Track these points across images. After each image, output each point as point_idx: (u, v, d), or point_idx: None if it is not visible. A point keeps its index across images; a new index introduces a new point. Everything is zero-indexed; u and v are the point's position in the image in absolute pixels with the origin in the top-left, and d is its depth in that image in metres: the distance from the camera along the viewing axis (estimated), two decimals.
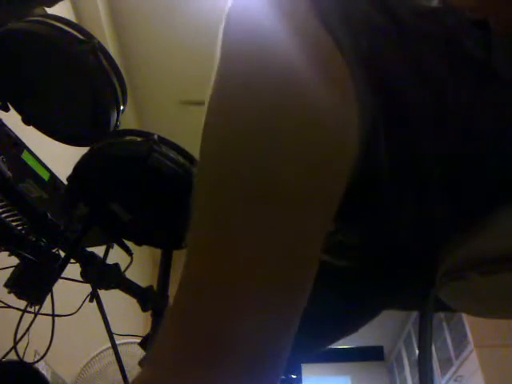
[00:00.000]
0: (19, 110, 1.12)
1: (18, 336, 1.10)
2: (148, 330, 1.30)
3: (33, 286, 1.09)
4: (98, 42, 1.01)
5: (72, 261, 1.17)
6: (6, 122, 1.14)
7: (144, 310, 1.31)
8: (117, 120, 1.10)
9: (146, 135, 1.10)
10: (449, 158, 0.42)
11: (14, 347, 1.10)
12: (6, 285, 1.10)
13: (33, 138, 1.21)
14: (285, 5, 0.37)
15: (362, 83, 0.36)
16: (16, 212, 1.12)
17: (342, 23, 0.38)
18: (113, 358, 1.74)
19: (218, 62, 0.37)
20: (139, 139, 1.10)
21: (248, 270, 0.30)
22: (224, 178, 0.32)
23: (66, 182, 1.17)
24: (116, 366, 1.34)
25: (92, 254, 1.22)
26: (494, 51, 0.44)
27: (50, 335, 1.18)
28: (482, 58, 0.44)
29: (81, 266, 1.20)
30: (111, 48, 2.74)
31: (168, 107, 3.25)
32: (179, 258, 1.71)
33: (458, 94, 0.42)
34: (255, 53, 0.35)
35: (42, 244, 1.12)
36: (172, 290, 1.38)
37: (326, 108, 0.33)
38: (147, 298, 1.30)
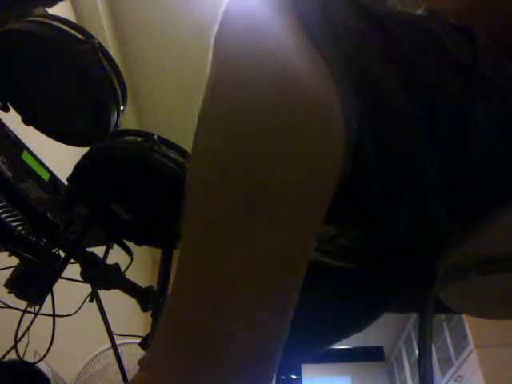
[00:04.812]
0: (19, 111, 1.12)
1: (18, 336, 1.10)
2: (148, 330, 1.30)
3: (33, 286, 1.09)
4: (98, 42, 1.01)
5: (72, 261, 1.17)
6: (6, 122, 1.14)
7: (144, 310, 1.31)
8: (117, 120, 1.10)
9: (146, 135, 1.10)
10: (443, 158, 0.42)
11: (15, 347, 1.10)
12: (6, 285, 1.10)
13: (33, 139, 1.21)
14: (271, 12, 0.37)
15: (345, 87, 0.36)
16: (16, 212, 1.12)
17: (326, 32, 0.38)
18: (113, 358, 1.74)
19: (211, 62, 0.37)
20: (139, 139, 1.10)
21: (238, 273, 0.30)
22: (216, 181, 0.32)
23: (66, 183, 1.17)
24: (116, 366, 1.34)
25: (92, 254, 1.22)
26: (479, 56, 0.44)
27: (50, 335, 1.18)
28: (468, 62, 0.44)
29: (81, 266, 1.20)
30: (111, 48, 2.74)
31: (168, 107, 3.25)
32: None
33: (445, 97, 0.42)
34: (247, 54, 0.35)
35: (42, 244, 1.12)
36: None
37: (316, 107, 0.34)
38: (147, 298, 1.30)
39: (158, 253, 1.55)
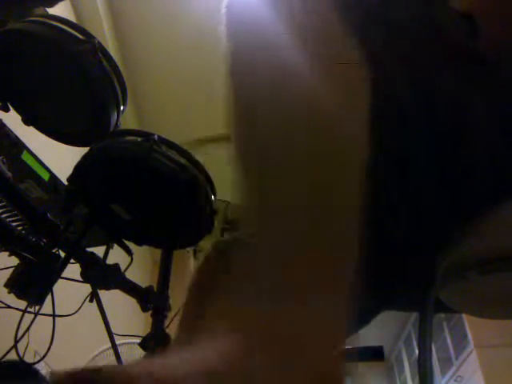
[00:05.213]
0: (19, 111, 1.13)
1: (18, 336, 1.10)
2: (148, 330, 1.30)
3: (33, 286, 1.09)
4: (98, 42, 1.01)
5: (72, 261, 1.17)
6: (6, 122, 1.14)
7: (144, 310, 1.31)
8: (117, 120, 1.10)
9: (146, 135, 1.10)
10: (444, 154, 0.42)
11: (15, 347, 1.10)
12: (6, 285, 1.10)
13: (33, 139, 1.21)
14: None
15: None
16: (16, 212, 1.12)
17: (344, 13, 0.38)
18: (113, 358, 1.74)
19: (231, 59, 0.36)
20: (139, 139, 1.10)
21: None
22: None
23: (66, 183, 1.17)
24: None
25: (92, 254, 1.22)
26: (480, 39, 0.44)
27: (50, 335, 1.18)
28: (468, 45, 0.44)
29: (81, 266, 1.20)
30: (111, 48, 2.74)
31: (168, 107, 3.25)
32: (179, 258, 1.70)
33: (446, 81, 0.42)
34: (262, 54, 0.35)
35: (42, 244, 1.12)
36: (172, 290, 1.38)
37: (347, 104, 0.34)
38: (147, 298, 1.30)
39: (157, 253, 1.55)
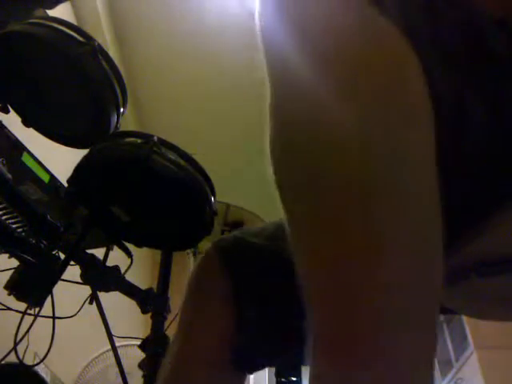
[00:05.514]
0: (19, 112, 1.13)
1: (18, 338, 1.10)
2: (148, 332, 1.30)
3: (33, 288, 1.09)
4: (98, 44, 1.01)
5: (72, 263, 1.17)
6: (6, 124, 1.14)
7: (144, 312, 1.31)
8: (117, 122, 1.10)
9: (146, 137, 1.10)
10: (445, 155, 0.42)
11: (14, 349, 1.10)
12: (5, 287, 1.10)
13: (33, 140, 1.21)
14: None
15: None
16: (16, 214, 1.12)
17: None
18: (113, 360, 1.73)
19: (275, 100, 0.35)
20: (139, 141, 1.10)
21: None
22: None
23: (66, 184, 1.18)
24: (116, 369, 1.34)
25: (92, 256, 1.22)
26: None
27: (49, 337, 1.18)
28: (503, 54, 0.43)
29: (81, 268, 1.20)
30: (111, 50, 2.74)
31: (168, 109, 3.25)
32: (179, 259, 1.70)
33: (479, 90, 0.41)
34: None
35: (42, 246, 1.12)
36: (172, 292, 1.38)
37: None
38: (147, 300, 1.30)
39: (158, 254, 1.55)
